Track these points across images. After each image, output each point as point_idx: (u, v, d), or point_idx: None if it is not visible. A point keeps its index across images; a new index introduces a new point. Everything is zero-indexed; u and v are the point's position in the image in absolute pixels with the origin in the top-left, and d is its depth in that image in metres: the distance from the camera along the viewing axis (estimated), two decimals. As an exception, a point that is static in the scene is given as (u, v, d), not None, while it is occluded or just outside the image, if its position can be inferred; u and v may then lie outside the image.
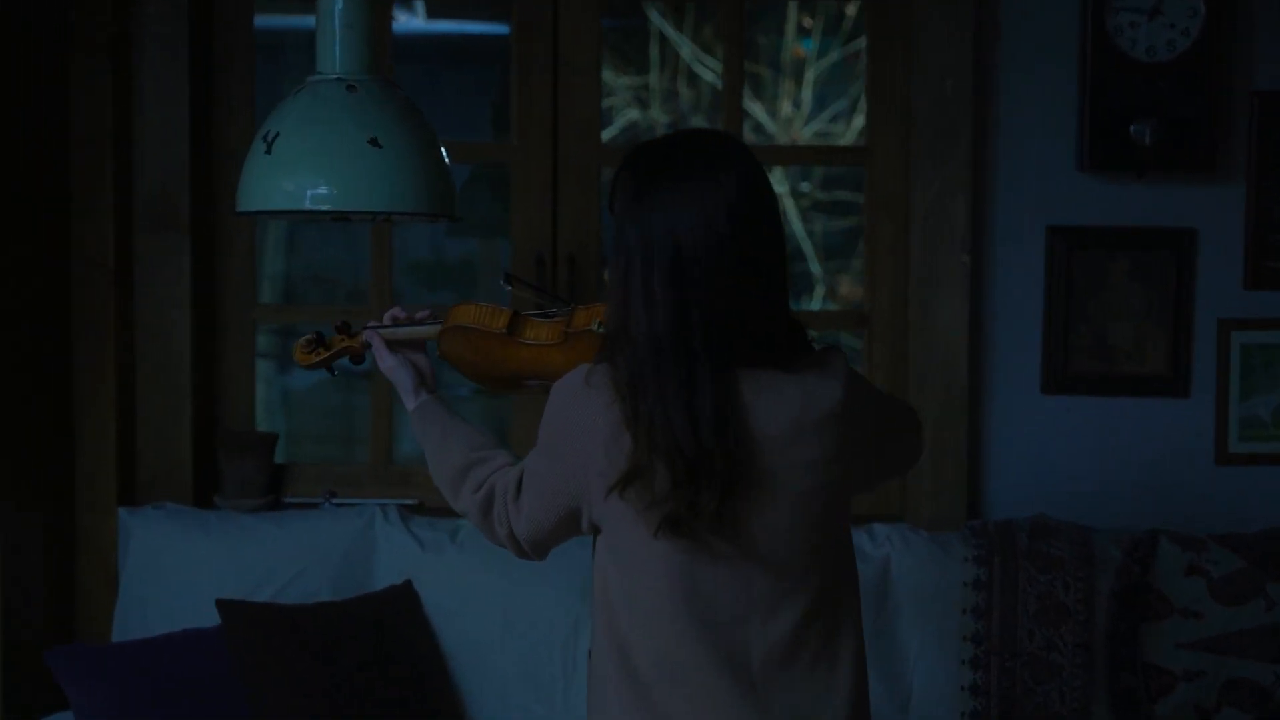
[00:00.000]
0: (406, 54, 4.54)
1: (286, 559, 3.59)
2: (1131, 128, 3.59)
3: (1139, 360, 3.70)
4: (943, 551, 3.53)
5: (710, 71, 4.87)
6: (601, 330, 2.20)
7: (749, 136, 4.80)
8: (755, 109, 4.88)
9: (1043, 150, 3.69)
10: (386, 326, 2.53)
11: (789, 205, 4.97)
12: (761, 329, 2.04)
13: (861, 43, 4.47)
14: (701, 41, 4.89)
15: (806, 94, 5.00)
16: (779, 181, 4.18)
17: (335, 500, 3.82)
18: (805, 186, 4.89)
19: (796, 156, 4.43)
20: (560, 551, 3.56)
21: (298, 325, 5.20)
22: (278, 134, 2.61)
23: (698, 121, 5.06)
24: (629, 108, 4.98)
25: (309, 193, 2.57)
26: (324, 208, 2.58)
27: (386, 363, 2.49)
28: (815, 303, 4.95)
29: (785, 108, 4.92)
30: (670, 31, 4.88)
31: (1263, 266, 3.69)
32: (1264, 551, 3.48)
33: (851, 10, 4.73)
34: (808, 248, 4.96)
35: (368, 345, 2.56)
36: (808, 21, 4.84)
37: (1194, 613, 3.44)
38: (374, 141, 2.57)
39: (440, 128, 2.66)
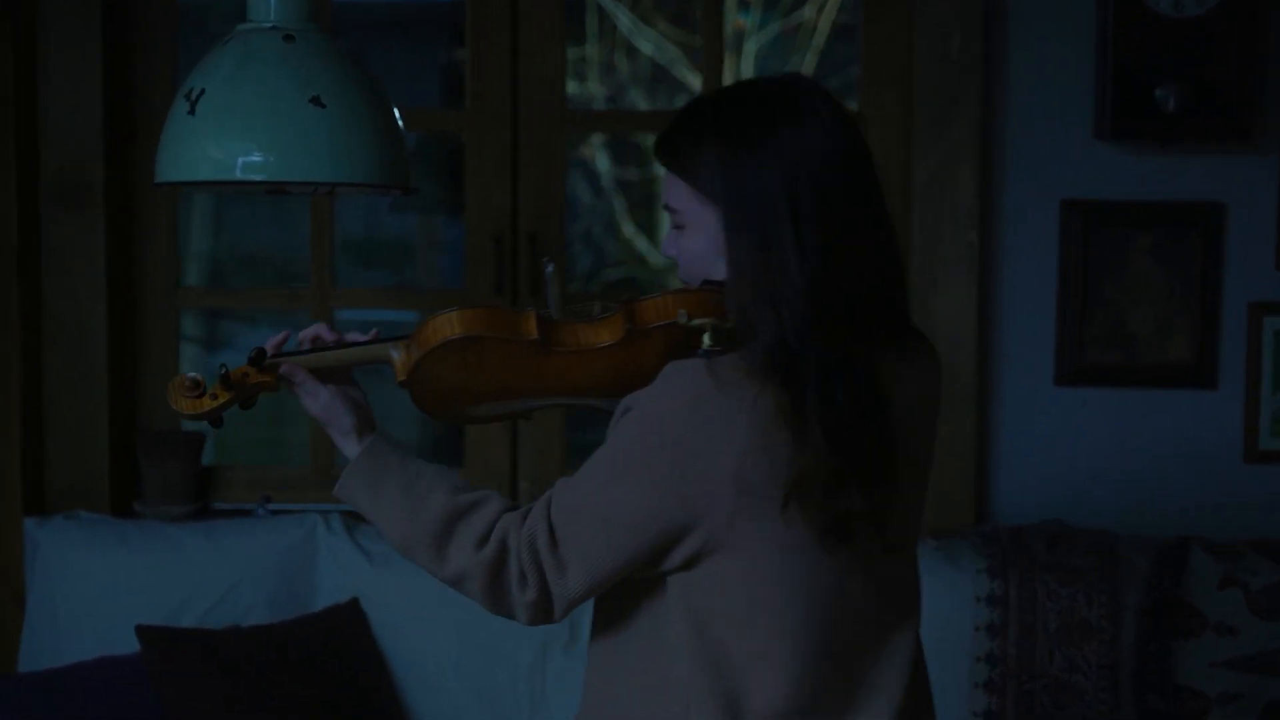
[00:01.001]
0: (342, 23, 4.23)
1: (216, 575, 3.28)
2: (1156, 91, 3.30)
3: (1162, 348, 3.41)
4: (951, 562, 3.21)
5: (649, 43, 4.80)
6: (694, 323, 1.83)
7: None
8: (694, 81, 4.81)
9: (1057, 117, 3.40)
10: (306, 352, 2.03)
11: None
12: (891, 293, 1.83)
13: (802, 15, 4.42)
14: (640, 13, 4.82)
15: (746, 66, 4.93)
16: None
17: (271, 507, 3.51)
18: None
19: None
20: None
21: (228, 310, 4.87)
22: (203, 91, 2.31)
23: (636, 94, 4.91)
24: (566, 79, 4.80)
25: (240, 160, 2.28)
26: (258, 178, 2.28)
27: (320, 400, 1.99)
28: None
29: (725, 80, 4.72)
30: (608, 2, 4.78)
31: (1297, 244, 3.39)
32: (1306, 560, 3.18)
33: None
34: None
35: (285, 381, 2.02)
36: (748, -7, 4.76)
37: (1230, 628, 3.14)
38: (316, 100, 2.28)
39: (382, 96, 2.42)
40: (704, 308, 1.84)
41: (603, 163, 5.35)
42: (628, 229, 5.56)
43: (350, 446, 1.98)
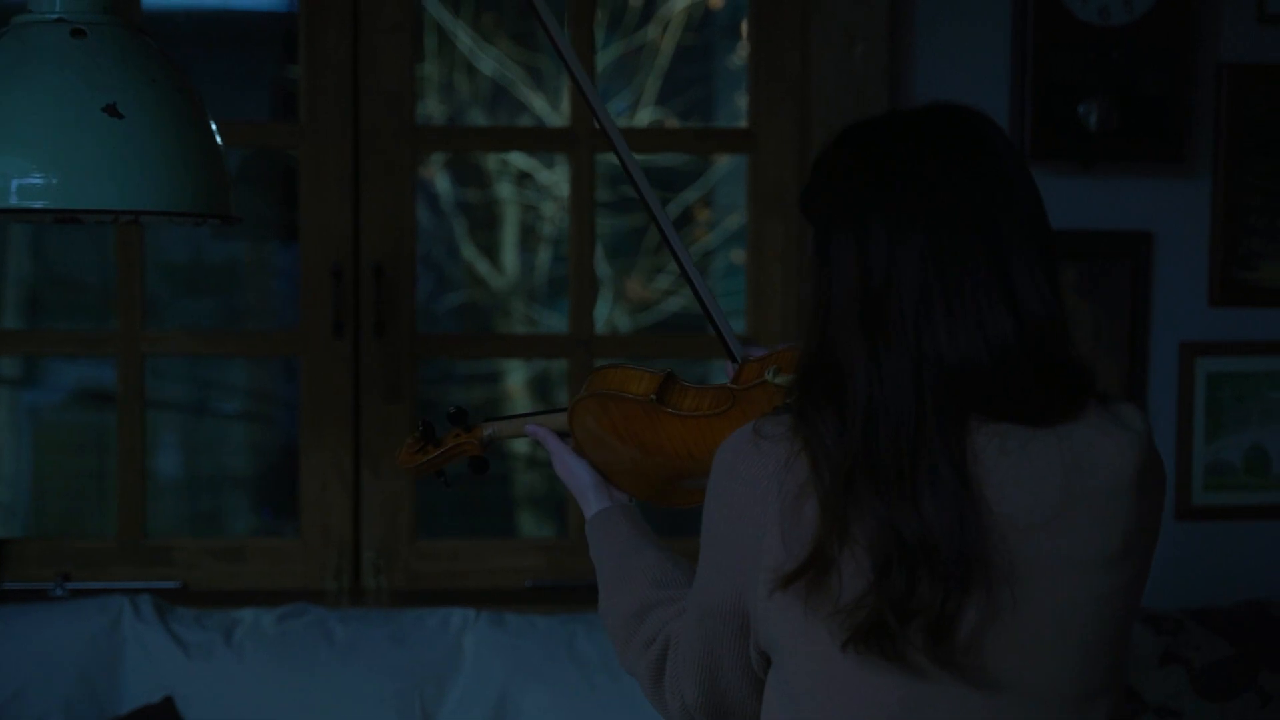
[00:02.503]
0: (157, 32, 3.84)
1: (2, 673, 2.82)
2: (1079, 107, 2.97)
3: (1087, 394, 3.06)
4: (861, 641, 2.82)
5: (491, 62, 4.70)
6: (779, 379, 1.70)
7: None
8: (537, 101, 4.68)
9: (971, 135, 3.01)
10: (506, 417, 2.04)
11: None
12: (1014, 362, 1.47)
13: (645, 35, 4.31)
14: (481, 31, 4.70)
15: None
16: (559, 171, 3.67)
17: (70, 585, 3.05)
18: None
19: (662, 142, 3.74)
20: (370, 650, 2.84)
21: (42, 355, 4.38)
22: (-34, 97, 1.99)
23: (476, 114, 4.75)
24: (416, 95, 4.54)
25: (15, 182, 1.93)
26: (38, 204, 1.95)
27: (562, 460, 1.95)
28: (604, 306, 4.68)
29: (566, 100, 4.55)
30: (447, 20, 4.65)
31: (1232, 278, 3.10)
32: (1253, 631, 2.87)
33: (636, 2, 4.48)
34: (596, 248, 4.57)
35: (486, 444, 2.03)
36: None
37: (1173, 711, 2.83)
38: (112, 109, 1.95)
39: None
40: (794, 364, 1.66)
41: (443, 184, 5.10)
42: (469, 252, 5.29)
43: (587, 509, 1.94)
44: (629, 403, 1.85)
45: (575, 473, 1.93)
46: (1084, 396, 1.52)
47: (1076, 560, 1.49)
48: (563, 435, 1.96)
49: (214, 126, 2.08)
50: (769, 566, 1.49)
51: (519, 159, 4.82)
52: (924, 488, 1.43)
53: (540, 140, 3.80)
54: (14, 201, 1.93)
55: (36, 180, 1.92)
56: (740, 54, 4.29)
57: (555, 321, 4.65)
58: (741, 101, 3.15)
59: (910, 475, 1.44)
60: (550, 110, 4.64)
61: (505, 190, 5.05)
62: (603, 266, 4.77)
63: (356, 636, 2.84)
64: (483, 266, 5.49)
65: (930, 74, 3.05)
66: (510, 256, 5.10)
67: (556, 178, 4.78)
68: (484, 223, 5.34)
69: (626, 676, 1.93)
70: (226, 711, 2.78)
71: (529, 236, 5.10)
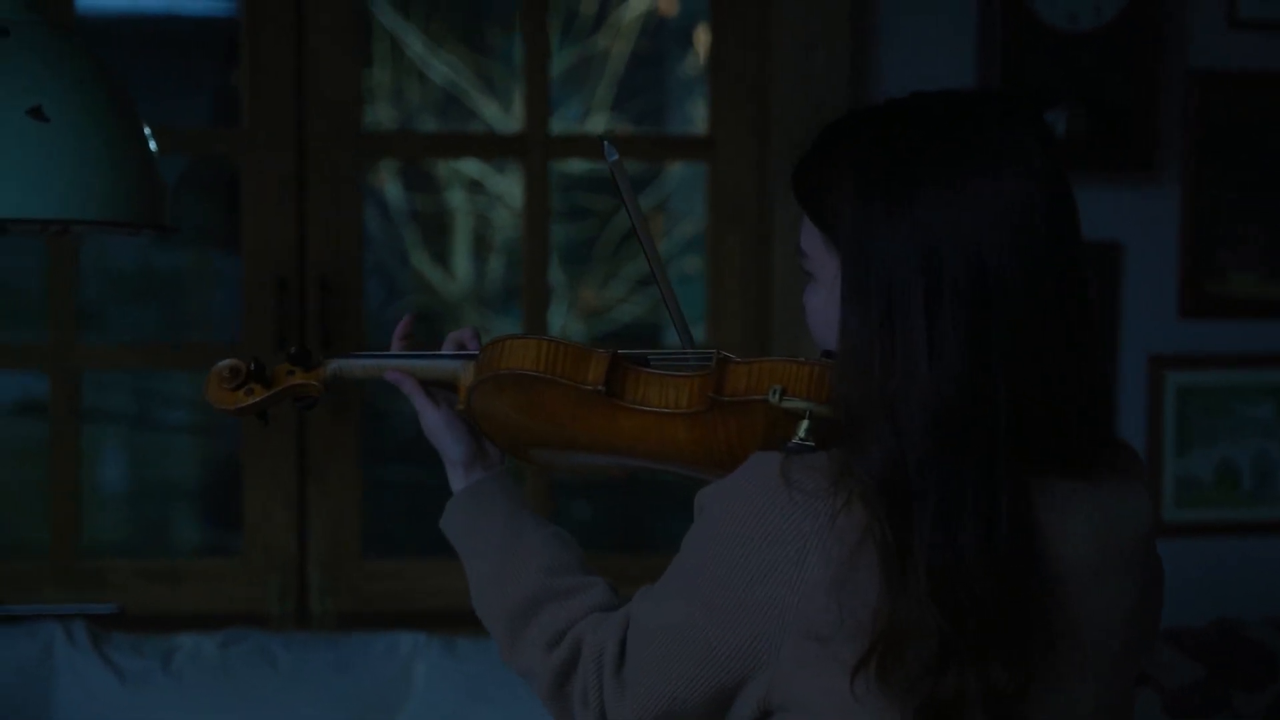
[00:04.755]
0: (95, 37, 3.76)
1: None
2: (1046, 115, 2.88)
3: (1054, 408, 3.01)
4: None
5: (442, 68, 4.72)
6: (787, 404, 1.45)
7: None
8: (488, 107, 4.70)
9: (935, 143, 2.95)
10: (358, 356, 1.83)
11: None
12: (1072, 407, 1.39)
13: (597, 42, 4.36)
14: (433, 34, 4.74)
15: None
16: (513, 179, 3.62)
17: None
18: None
19: (620, 150, 3.66)
20: (315, 677, 2.74)
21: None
22: (-121, 99, 1.90)
23: (426, 120, 4.72)
24: (363, 104, 4.52)
25: None
26: None
27: (430, 419, 1.74)
28: (559, 315, 4.69)
29: (519, 107, 4.54)
30: (398, 25, 4.68)
31: (1201, 290, 3.07)
32: (1225, 652, 2.83)
33: (589, 10, 4.50)
34: (551, 256, 4.59)
35: (330, 384, 1.82)
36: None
37: (1145, 736, 2.74)
38: (37, 112, 1.87)
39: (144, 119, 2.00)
40: (806, 386, 1.48)
41: (394, 191, 5.06)
42: (419, 259, 5.26)
43: (456, 480, 1.75)
44: (565, 389, 1.62)
45: (446, 441, 1.73)
46: (1109, 441, 1.45)
47: (1116, 616, 1.44)
48: (431, 384, 1.76)
49: (148, 132, 1.99)
50: (807, 630, 1.37)
51: (470, 166, 4.78)
52: (1001, 549, 1.34)
53: (492, 147, 3.72)
54: (-70, 210, 1.84)
55: (-46, 188, 1.84)
56: (693, 62, 4.26)
57: (508, 328, 4.62)
58: (694, 108, 3.09)
59: (989, 533, 1.34)
60: (502, 115, 4.63)
61: (456, 198, 5.01)
62: (557, 274, 4.74)
63: (301, 663, 2.74)
64: (434, 274, 5.45)
65: (893, 81, 2.99)
66: (462, 263, 5.07)
67: (508, 185, 4.74)
68: (435, 230, 5.30)
69: (586, 705, 1.81)
70: (165, 743, 2.69)
71: (481, 244, 5.06)
